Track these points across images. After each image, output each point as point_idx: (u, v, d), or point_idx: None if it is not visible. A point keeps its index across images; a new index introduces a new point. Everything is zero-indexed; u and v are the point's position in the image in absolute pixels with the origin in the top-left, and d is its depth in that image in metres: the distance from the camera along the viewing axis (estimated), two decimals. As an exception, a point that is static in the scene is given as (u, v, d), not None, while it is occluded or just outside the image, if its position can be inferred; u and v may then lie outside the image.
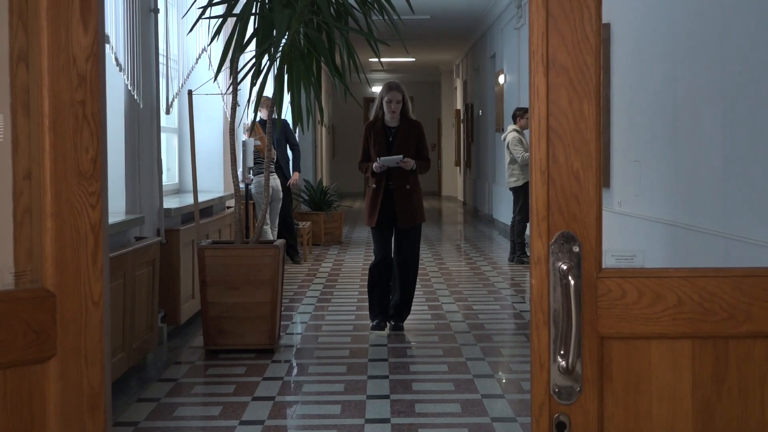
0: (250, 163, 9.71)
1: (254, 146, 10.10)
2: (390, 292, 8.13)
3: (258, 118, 10.73)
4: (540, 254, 1.97)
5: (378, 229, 8.00)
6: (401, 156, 7.73)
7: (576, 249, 1.95)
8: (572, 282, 1.94)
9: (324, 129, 25.36)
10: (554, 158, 1.97)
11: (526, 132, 12.11)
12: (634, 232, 7.13)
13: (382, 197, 7.87)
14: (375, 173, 7.85)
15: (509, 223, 12.99)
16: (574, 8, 1.96)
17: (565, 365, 1.96)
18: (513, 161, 12.18)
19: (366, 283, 8.32)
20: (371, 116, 8.09)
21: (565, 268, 1.94)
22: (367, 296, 8.24)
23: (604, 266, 1.98)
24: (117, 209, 6.80)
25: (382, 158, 7.73)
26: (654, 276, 1.99)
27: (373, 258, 8.24)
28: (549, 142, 1.97)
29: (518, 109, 12.56)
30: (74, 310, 2.02)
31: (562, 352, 1.96)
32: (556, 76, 1.96)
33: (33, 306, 1.99)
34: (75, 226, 2.01)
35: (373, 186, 7.93)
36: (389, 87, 7.94)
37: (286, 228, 12.14)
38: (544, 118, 1.97)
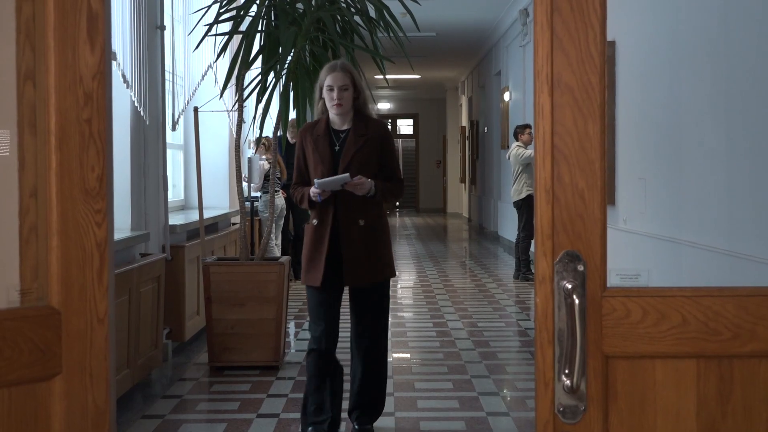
0: (256, 180, 9.73)
1: (268, 164, 10.13)
2: (341, 390, 5.40)
3: (275, 138, 10.75)
4: (545, 273, 1.97)
5: (321, 291, 5.24)
6: (347, 175, 5.09)
7: (581, 268, 1.95)
8: (577, 301, 1.94)
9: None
10: (559, 177, 1.97)
11: (530, 147, 12.15)
12: (639, 250, 7.12)
13: (328, 240, 5.19)
14: (314, 203, 5.22)
15: (514, 240, 12.99)
16: (579, 28, 1.96)
17: (569, 384, 1.96)
18: (518, 174, 12.20)
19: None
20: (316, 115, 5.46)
21: (569, 287, 1.94)
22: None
23: (608, 285, 1.98)
24: (122, 225, 6.81)
25: (321, 180, 5.09)
26: (658, 295, 1.99)
27: (309, 339, 5.40)
28: (554, 161, 1.97)
29: (518, 127, 12.65)
30: (79, 328, 2.03)
31: (566, 371, 1.96)
32: (561, 95, 1.97)
33: (39, 324, 1.99)
34: (81, 244, 2.01)
35: (314, 222, 5.28)
36: (331, 67, 5.30)
37: (298, 244, 12.16)
38: (549, 137, 1.98)
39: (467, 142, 25.65)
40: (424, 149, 32.87)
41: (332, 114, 5.28)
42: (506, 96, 16.99)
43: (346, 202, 5.20)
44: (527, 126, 12.42)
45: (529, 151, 11.97)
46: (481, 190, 21.96)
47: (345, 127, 5.31)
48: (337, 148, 5.27)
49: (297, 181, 5.38)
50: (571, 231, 1.97)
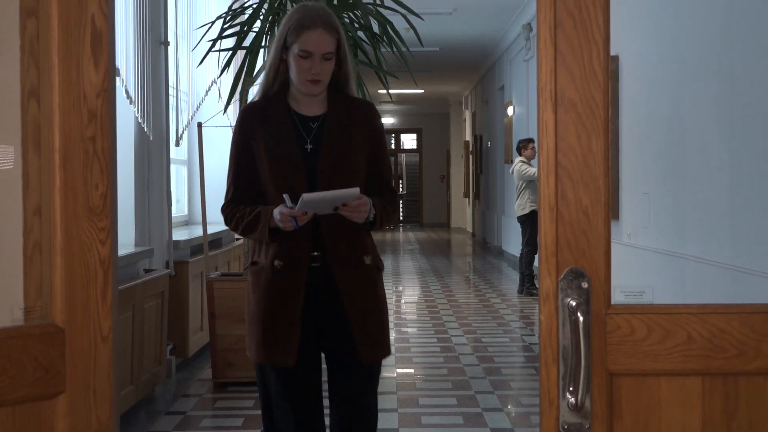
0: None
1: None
2: None
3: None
4: (549, 290, 1.97)
5: (294, 372, 3.51)
6: (356, 190, 3.41)
7: (585, 285, 1.95)
8: (581, 318, 1.93)
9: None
10: (563, 194, 1.97)
11: (533, 162, 12.15)
12: (643, 265, 7.11)
13: (304, 293, 3.49)
14: (276, 233, 3.46)
15: (518, 254, 12.98)
16: (583, 45, 1.96)
17: (574, 402, 1.95)
18: (521, 190, 12.20)
19: None
20: (258, 91, 3.69)
21: (574, 304, 1.94)
22: None
23: (613, 302, 1.98)
24: (126, 241, 6.81)
25: (308, 195, 3.35)
26: (663, 312, 1.98)
27: None
28: (557, 178, 1.97)
29: (521, 141, 12.66)
30: (83, 346, 2.02)
31: (571, 389, 1.95)
32: (565, 112, 1.97)
33: (42, 342, 1.99)
34: (85, 262, 2.01)
35: (277, 265, 3.49)
36: (310, 19, 3.47)
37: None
38: (553, 154, 1.97)
39: (471, 156, 25.67)
40: (428, 164, 32.89)
41: (303, 91, 3.50)
42: (510, 110, 17.01)
43: (334, 230, 3.48)
44: (530, 140, 12.43)
45: (533, 169, 11.96)
46: (485, 205, 21.96)
47: (317, 112, 3.55)
48: (308, 146, 3.48)
49: (235, 196, 3.57)
50: (575, 248, 1.96)
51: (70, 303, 2.01)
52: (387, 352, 3.59)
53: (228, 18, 7.12)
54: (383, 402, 6.64)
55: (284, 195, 3.36)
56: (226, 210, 3.60)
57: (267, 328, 3.48)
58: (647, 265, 7.04)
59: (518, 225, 12.68)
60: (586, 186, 1.96)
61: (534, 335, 9.36)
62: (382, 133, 3.66)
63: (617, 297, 2.00)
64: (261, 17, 7.01)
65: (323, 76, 3.47)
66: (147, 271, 6.95)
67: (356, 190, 3.36)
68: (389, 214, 3.58)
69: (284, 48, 3.51)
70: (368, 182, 3.55)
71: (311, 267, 3.47)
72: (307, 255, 3.47)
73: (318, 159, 3.48)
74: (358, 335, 3.48)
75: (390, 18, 7.00)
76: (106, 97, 2.06)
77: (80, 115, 2.03)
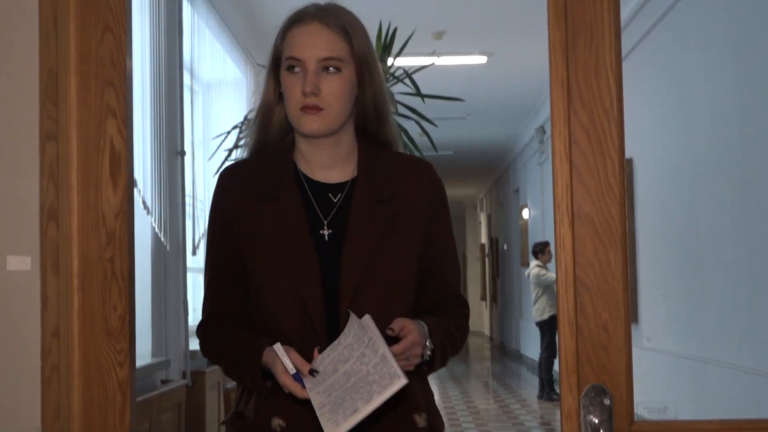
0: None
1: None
2: None
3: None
4: (571, 408, 1.94)
5: None
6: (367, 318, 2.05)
7: (607, 402, 1.93)
8: (604, 435, 1.91)
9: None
10: (582, 309, 1.96)
11: (549, 265, 12.12)
12: (663, 369, 7.04)
13: None
14: (267, 392, 2.14)
15: (537, 358, 12.88)
16: (598, 160, 1.98)
17: None
18: (539, 295, 12.15)
19: None
20: (247, 145, 2.35)
21: (596, 421, 1.91)
22: None
23: (636, 418, 1.95)
24: (143, 351, 6.78)
25: (320, 359, 2.05)
26: (686, 430, 1.95)
27: None
28: (576, 292, 1.96)
29: (537, 245, 12.64)
30: (101, 470, 2.01)
31: (596, 508, 1.92)
32: (582, 227, 1.97)
33: (59, 465, 1.97)
34: (103, 385, 2.01)
35: (276, 426, 2.13)
36: (304, 10, 2.22)
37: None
38: (571, 269, 1.97)
39: (487, 259, 25.66)
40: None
41: (298, 131, 2.24)
42: (525, 213, 17.05)
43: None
44: (546, 244, 12.42)
45: (551, 274, 11.91)
46: (503, 308, 21.87)
47: (341, 178, 2.27)
48: (325, 231, 2.21)
49: (214, 311, 2.29)
50: (596, 364, 1.95)
51: (87, 426, 2.00)
52: None
53: (243, 127, 7.20)
54: None
55: (276, 346, 2.04)
56: (201, 333, 2.31)
57: None
58: (668, 370, 6.97)
59: (536, 328, 12.59)
60: (605, 301, 1.95)
61: (555, 441, 9.23)
62: (445, 211, 2.30)
63: (640, 412, 1.98)
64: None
65: (326, 98, 2.14)
66: (164, 381, 6.91)
67: (381, 343, 1.97)
68: (455, 343, 2.22)
69: (273, 74, 2.25)
70: (423, 289, 2.26)
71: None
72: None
73: (340, 257, 2.15)
74: None
75: (404, 124, 7.07)
76: (125, 218, 2.07)
77: (99, 237, 2.04)
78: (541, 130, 14.78)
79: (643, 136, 7.51)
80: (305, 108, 2.15)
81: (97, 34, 2.08)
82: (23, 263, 2.12)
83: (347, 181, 2.25)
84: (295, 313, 2.14)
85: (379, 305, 2.13)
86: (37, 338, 2.08)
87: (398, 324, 2.06)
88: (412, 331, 2.06)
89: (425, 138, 7.13)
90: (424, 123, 7.04)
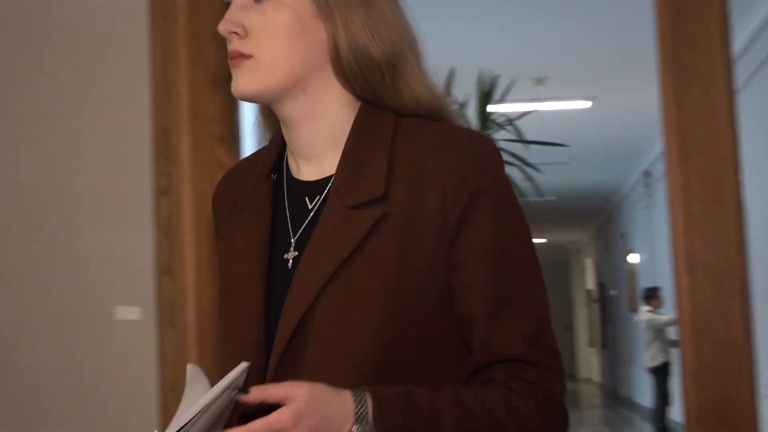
0: None
1: None
2: None
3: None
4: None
5: None
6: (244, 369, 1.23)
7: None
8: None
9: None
10: (703, 360, 1.91)
11: (660, 311, 11.91)
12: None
13: None
14: None
15: (650, 406, 12.61)
16: (715, 207, 1.93)
17: None
18: (652, 340, 11.93)
19: None
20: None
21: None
22: None
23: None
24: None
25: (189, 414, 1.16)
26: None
27: None
28: (697, 343, 1.91)
29: (647, 290, 12.46)
30: None
31: None
32: (701, 275, 1.92)
33: None
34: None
35: None
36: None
37: None
38: (690, 317, 1.93)
39: (595, 305, 25.33)
40: (551, 313, 32.48)
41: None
42: (631, 258, 16.81)
43: None
44: (657, 289, 12.22)
45: (665, 318, 11.68)
46: (613, 354, 21.52)
47: (321, 174, 1.47)
48: (291, 255, 1.45)
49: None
50: (719, 415, 1.89)
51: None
52: None
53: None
54: None
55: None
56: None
57: None
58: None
59: (648, 375, 12.35)
60: (728, 351, 1.90)
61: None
62: (498, 209, 1.47)
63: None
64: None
65: (254, 39, 1.40)
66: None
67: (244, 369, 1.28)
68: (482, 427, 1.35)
69: None
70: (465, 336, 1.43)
71: None
72: None
73: (285, 292, 1.40)
74: None
75: (508, 170, 7.04)
76: (238, 272, 2.09)
77: (213, 292, 2.06)
78: (647, 174, 14.59)
79: (756, 178, 7.36)
80: (230, 59, 1.41)
81: (208, 90, 2.12)
82: (132, 313, 2.15)
83: (329, 177, 1.45)
84: (240, 358, 1.33)
85: (326, 363, 1.34)
86: (154, 393, 2.10)
87: (281, 389, 1.24)
88: (297, 400, 1.22)
89: (529, 183, 7.09)
90: (527, 168, 7.01)
